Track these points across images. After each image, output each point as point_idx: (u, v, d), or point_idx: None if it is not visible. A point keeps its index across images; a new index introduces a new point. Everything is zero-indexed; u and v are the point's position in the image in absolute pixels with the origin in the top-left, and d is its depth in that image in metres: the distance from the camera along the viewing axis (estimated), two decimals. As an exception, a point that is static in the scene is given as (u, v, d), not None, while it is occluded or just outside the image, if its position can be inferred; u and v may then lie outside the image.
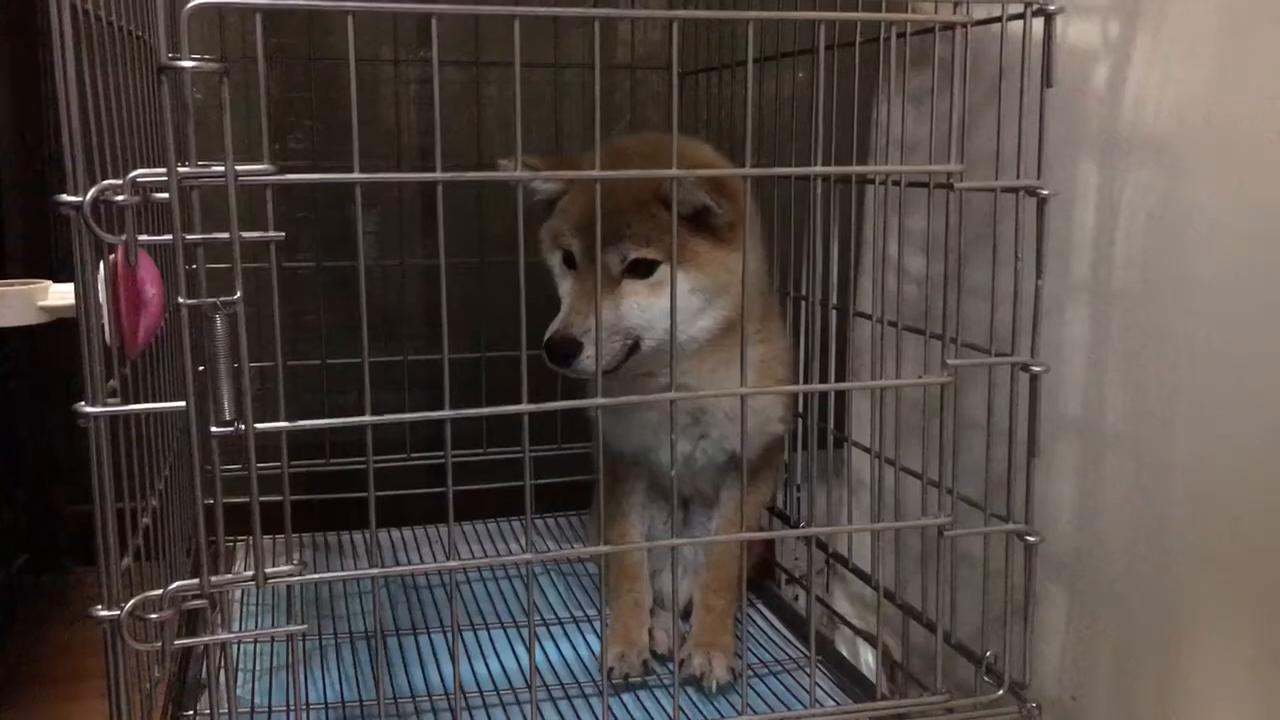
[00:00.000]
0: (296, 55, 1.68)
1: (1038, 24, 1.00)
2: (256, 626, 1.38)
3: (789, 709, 1.20)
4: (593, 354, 1.11)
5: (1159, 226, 1.08)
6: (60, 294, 1.00)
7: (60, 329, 0.85)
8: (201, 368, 0.83)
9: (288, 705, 1.20)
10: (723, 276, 1.18)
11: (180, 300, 0.81)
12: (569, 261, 1.22)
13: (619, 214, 1.14)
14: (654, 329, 1.17)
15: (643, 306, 1.17)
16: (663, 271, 1.16)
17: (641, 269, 1.17)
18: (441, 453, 0.96)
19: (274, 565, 0.89)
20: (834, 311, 1.35)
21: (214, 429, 0.83)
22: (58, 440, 1.77)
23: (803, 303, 1.40)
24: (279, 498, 0.90)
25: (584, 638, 1.38)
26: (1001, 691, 1.10)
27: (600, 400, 1.00)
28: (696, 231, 1.17)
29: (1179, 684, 1.10)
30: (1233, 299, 1.03)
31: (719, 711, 1.20)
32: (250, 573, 0.88)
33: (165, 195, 0.80)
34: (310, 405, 1.67)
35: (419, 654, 1.33)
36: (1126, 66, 1.09)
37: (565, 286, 1.22)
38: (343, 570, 1.55)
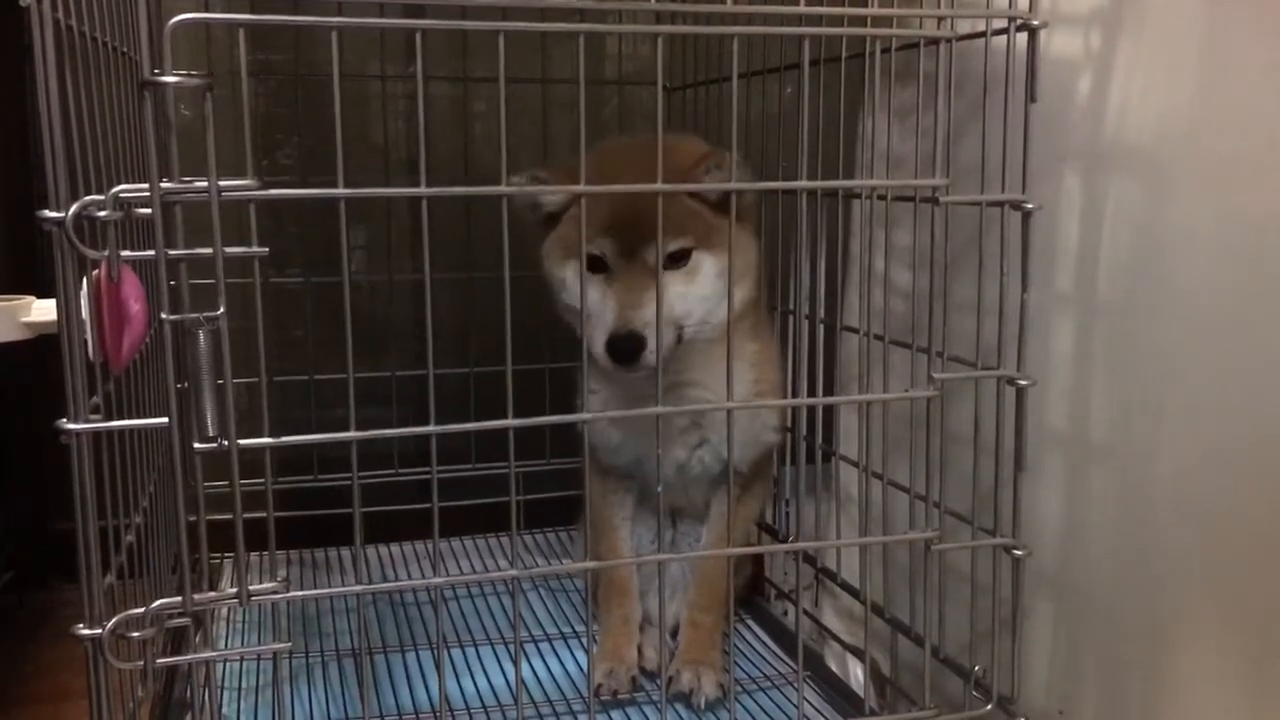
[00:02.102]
0: (284, 71, 1.69)
1: (1021, 39, 1.01)
2: (242, 644, 1.37)
3: (777, 724, 1.20)
4: (654, 348, 1.11)
5: (1143, 238, 1.08)
6: (43, 310, 1.00)
7: (50, 345, 0.84)
8: (184, 384, 0.82)
9: (273, 723, 1.19)
10: (746, 257, 1.21)
11: (163, 315, 0.81)
12: (595, 266, 1.19)
13: (649, 208, 1.13)
14: (693, 316, 1.18)
15: (683, 295, 1.17)
16: (696, 257, 1.18)
17: (678, 258, 1.18)
18: (428, 468, 0.96)
19: (259, 582, 0.89)
20: (821, 326, 1.35)
21: (197, 445, 0.83)
22: (45, 457, 1.76)
23: (790, 317, 1.40)
24: (264, 514, 0.89)
25: (572, 654, 1.37)
26: (990, 706, 1.10)
27: (586, 415, 1.00)
28: (721, 214, 1.16)
29: (1167, 696, 1.09)
30: (1217, 310, 1.03)
31: (707, 727, 1.19)
32: (234, 590, 0.88)
33: (148, 210, 0.79)
34: (298, 421, 1.66)
35: (405, 671, 1.32)
36: (1109, 79, 1.09)
37: (596, 291, 1.18)
38: (329, 587, 1.54)
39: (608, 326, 1.14)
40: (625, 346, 1.12)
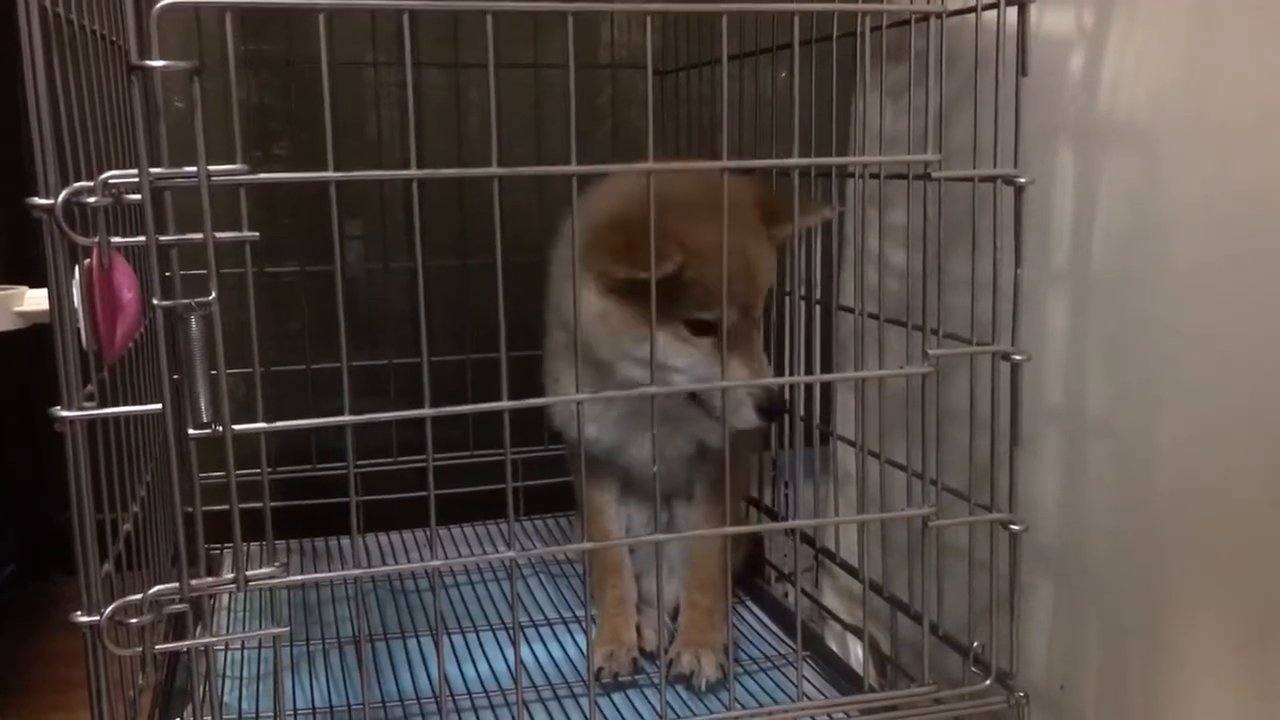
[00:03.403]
0: (277, 62, 1.68)
1: (1012, 13, 1.01)
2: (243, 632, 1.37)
3: (776, 704, 1.20)
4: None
5: (1137, 213, 1.08)
6: (36, 299, 1.00)
7: (46, 336, 0.84)
8: (178, 376, 0.82)
9: (275, 711, 1.19)
10: None
11: (154, 301, 0.81)
12: (700, 329, 1.17)
13: (758, 265, 1.18)
14: None
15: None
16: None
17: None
18: (425, 456, 0.95)
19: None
20: (817, 306, 1.35)
21: (191, 431, 0.83)
22: (44, 451, 1.77)
23: (786, 298, 1.40)
24: (262, 504, 0.89)
25: (572, 638, 1.37)
26: (989, 682, 1.10)
27: (581, 396, 1.00)
28: None
29: (1166, 670, 1.10)
30: (1211, 284, 1.03)
31: (707, 708, 1.19)
32: (231, 576, 0.88)
33: (138, 197, 0.79)
34: (295, 412, 1.66)
35: (406, 658, 1.32)
36: (1101, 53, 1.09)
37: (700, 351, 1.16)
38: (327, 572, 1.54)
39: (756, 397, 1.15)
40: (779, 409, 1.18)
